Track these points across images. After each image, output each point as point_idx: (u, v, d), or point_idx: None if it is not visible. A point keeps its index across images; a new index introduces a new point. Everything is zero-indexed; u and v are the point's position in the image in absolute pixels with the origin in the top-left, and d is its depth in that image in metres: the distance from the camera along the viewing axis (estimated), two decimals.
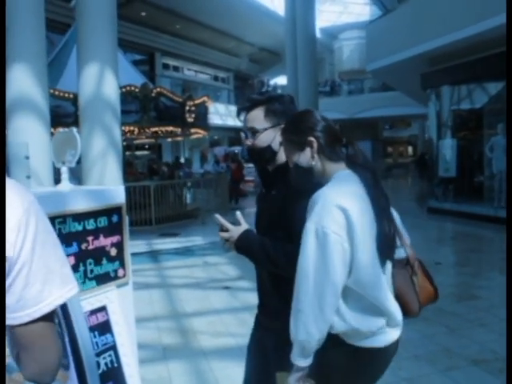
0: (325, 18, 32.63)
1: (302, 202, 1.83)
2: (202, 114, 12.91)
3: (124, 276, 2.39)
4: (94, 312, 2.18)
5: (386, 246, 1.73)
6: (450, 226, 11.66)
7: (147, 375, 3.59)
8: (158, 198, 11.13)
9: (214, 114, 24.46)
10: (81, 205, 2.16)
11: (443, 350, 4.13)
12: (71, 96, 9.54)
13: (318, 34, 24.00)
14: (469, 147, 13.85)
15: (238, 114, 2.08)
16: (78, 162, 2.33)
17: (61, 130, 2.50)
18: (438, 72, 12.87)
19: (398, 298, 1.81)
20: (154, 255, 8.61)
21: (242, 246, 1.93)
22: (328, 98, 28.90)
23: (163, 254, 8.68)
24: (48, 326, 0.98)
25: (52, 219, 2.00)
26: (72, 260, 2.11)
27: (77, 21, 7.45)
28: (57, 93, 9.80)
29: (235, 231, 1.94)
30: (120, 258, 2.36)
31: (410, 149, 45.75)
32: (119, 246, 2.35)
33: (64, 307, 1.68)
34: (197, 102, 12.54)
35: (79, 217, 2.14)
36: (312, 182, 1.81)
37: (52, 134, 6.43)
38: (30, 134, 6.11)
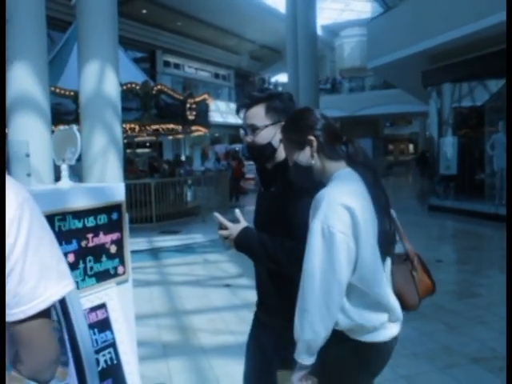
0: (326, 15, 32.54)
1: (301, 198, 1.84)
2: (202, 111, 12.91)
3: (124, 273, 2.40)
4: (93, 309, 2.19)
5: (386, 242, 1.76)
6: (451, 224, 11.66)
7: (147, 372, 3.60)
8: (159, 196, 11.14)
9: (215, 111, 24.44)
10: (81, 202, 2.17)
11: (442, 348, 4.13)
12: (72, 94, 9.55)
13: (319, 32, 23.96)
14: (470, 145, 13.84)
15: (238, 111, 2.08)
16: (79, 159, 2.34)
17: (61, 127, 2.50)
18: (439, 69, 12.86)
19: (398, 292, 1.83)
20: (154, 253, 8.62)
21: (241, 243, 1.93)
22: (329, 96, 28.89)
23: (164, 252, 8.69)
24: (44, 322, 0.98)
25: (52, 216, 2.00)
26: (72, 257, 2.11)
27: (77, 18, 7.44)
28: (58, 90, 9.81)
29: (234, 229, 1.95)
30: (120, 255, 2.36)
31: (410, 146, 45.69)
32: (119, 243, 2.36)
33: (63, 304, 1.68)
34: (197, 99, 12.55)
35: (79, 214, 2.15)
36: (312, 180, 1.82)
37: (53, 131, 6.44)
38: (30, 132, 6.11)
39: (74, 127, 2.31)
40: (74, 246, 2.13)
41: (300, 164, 1.81)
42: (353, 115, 28.15)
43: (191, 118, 12.09)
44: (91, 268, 2.21)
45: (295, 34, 16.60)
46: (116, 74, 7.28)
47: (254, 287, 2.17)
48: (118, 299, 2.31)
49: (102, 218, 2.27)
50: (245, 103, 2.04)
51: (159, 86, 11.61)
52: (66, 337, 1.74)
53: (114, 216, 2.33)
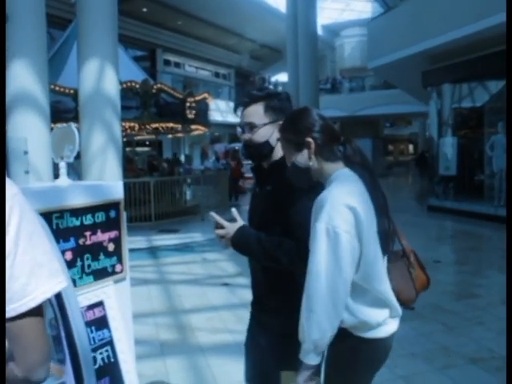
0: (326, 15, 32.52)
1: (301, 198, 1.84)
2: (202, 110, 12.91)
3: (121, 271, 2.40)
4: (91, 307, 2.19)
5: (385, 241, 1.79)
6: (450, 225, 11.67)
7: (145, 371, 3.60)
8: (158, 195, 11.14)
9: (215, 110, 24.44)
10: (79, 200, 2.16)
11: (440, 348, 4.13)
12: (72, 92, 9.54)
13: (320, 31, 23.97)
14: (469, 145, 13.85)
15: (236, 109, 2.08)
16: (78, 157, 2.34)
17: (59, 125, 2.50)
18: (439, 70, 12.86)
19: (396, 288, 1.86)
20: (153, 251, 8.62)
21: (239, 242, 1.94)
22: (329, 96, 28.87)
23: (162, 250, 8.69)
24: (36, 321, 0.96)
25: (49, 214, 2.00)
26: (69, 255, 2.11)
27: (77, 16, 7.44)
28: (57, 88, 9.80)
29: (231, 228, 1.95)
30: (117, 253, 2.36)
31: (410, 147, 45.75)
32: (117, 241, 2.35)
33: (60, 301, 1.68)
34: (197, 98, 12.54)
35: (77, 212, 2.14)
36: (310, 180, 1.83)
37: (52, 129, 6.43)
38: (29, 130, 6.11)
39: (73, 125, 2.30)
40: (71, 243, 2.13)
41: (298, 165, 1.82)
42: (353, 115, 28.14)
43: (191, 116, 12.09)
44: (89, 266, 2.21)
45: (295, 34, 16.60)
46: (116, 72, 7.28)
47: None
48: (115, 297, 2.31)
49: (100, 216, 2.27)
50: (243, 101, 2.04)
51: (159, 85, 11.62)
52: (62, 334, 1.74)
53: (112, 214, 2.33)
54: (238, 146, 22.94)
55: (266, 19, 26.47)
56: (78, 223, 2.15)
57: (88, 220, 2.20)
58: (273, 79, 37.08)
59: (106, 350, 2.20)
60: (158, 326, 4.82)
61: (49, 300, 1.66)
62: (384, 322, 1.77)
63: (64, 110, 9.72)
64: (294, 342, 1.76)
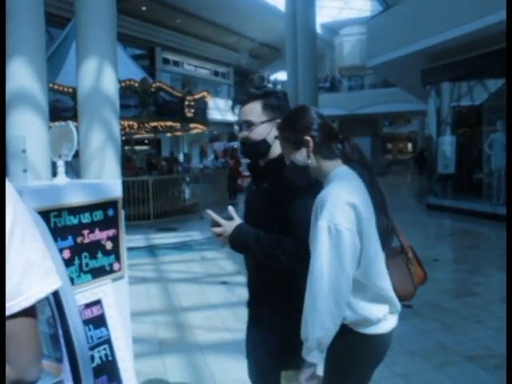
0: (326, 13, 32.48)
1: (300, 196, 1.85)
2: (201, 109, 12.90)
3: (119, 270, 2.39)
4: (88, 305, 2.18)
5: (383, 238, 1.82)
6: (449, 223, 11.68)
7: (143, 369, 3.61)
8: (157, 193, 11.15)
9: (214, 109, 24.44)
10: (77, 198, 2.16)
11: (438, 346, 4.14)
12: (70, 90, 9.54)
13: (319, 30, 23.99)
14: (468, 144, 13.86)
15: (233, 107, 2.08)
16: (76, 155, 2.34)
17: (57, 123, 2.50)
18: (438, 68, 12.86)
19: (395, 284, 1.88)
20: (151, 250, 8.63)
21: (237, 241, 1.93)
22: (328, 94, 28.85)
23: (161, 249, 8.69)
24: (28, 321, 0.94)
25: (47, 212, 2.00)
26: (67, 253, 2.11)
27: (76, 15, 7.42)
28: (56, 87, 9.80)
29: (228, 226, 1.95)
30: (115, 251, 2.36)
31: (409, 145, 45.73)
32: (115, 239, 2.35)
33: (58, 300, 1.68)
34: (196, 96, 12.53)
35: (75, 210, 2.14)
36: (309, 178, 1.84)
37: (50, 128, 6.43)
38: (28, 128, 6.11)
39: (71, 123, 2.30)
40: (69, 242, 2.12)
41: (297, 163, 1.83)
42: (352, 114, 28.14)
43: (189, 115, 12.08)
44: (87, 264, 2.21)
45: (295, 32, 16.56)
46: (114, 70, 7.26)
47: None
48: (113, 296, 2.31)
49: (98, 215, 2.27)
50: (241, 99, 2.04)
51: (158, 83, 11.61)
52: (60, 333, 1.74)
53: (110, 212, 2.33)
54: (236, 144, 22.89)
55: (265, 18, 26.45)
56: (75, 222, 2.15)
57: (86, 218, 2.20)
58: (272, 78, 37.05)
59: (104, 349, 2.20)
60: (157, 325, 4.83)
61: (46, 298, 1.66)
62: (384, 318, 1.79)
63: (63, 108, 9.71)
64: (290, 339, 1.77)
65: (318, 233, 1.66)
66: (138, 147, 21.67)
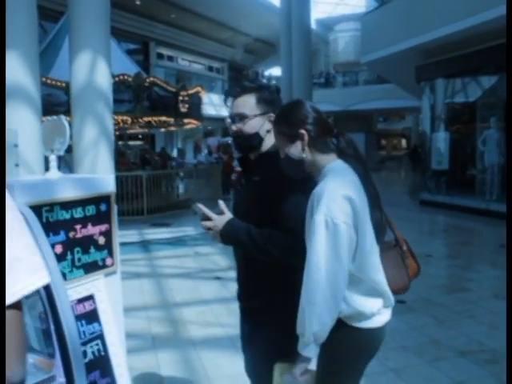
0: (320, 9, 32.45)
1: (292, 190, 1.85)
2: (195, 104, 12.86)
3: (112, 265, 2.38)
4: (81, 301, 2.17)
5: (377, 231, 1.83)
6: (442, 219, 11.73)
7: (136, 364, 3.60)
8: (150, 188, 11.12)
9: (208, 104, 24.36)
10: (69, 193, 2.15)
11: (431, 342, 4.16)
12: (63, 85, 9.48)
13: (314, 26, 23.93)
14: (462, 140, 13.91)
15: (226, 99, 2.07)
16: (69, 150, 2.33)
17: (49, 118, 2.48)
18: (432, 65, 12.88)
19: (389, 277, 1.89)
20: (145, 245, 8.61)
21: (228, 235, 1.93)
22: (322, 90, 28.86)
23: (155, 244, 8.68)
24: (13, 317, 0.92)
25: (39, 207, 1.99)
26: (59, 248, 2.10)
27: (69, 9, 7.37)
28: (49, 81, 9.73)
29: (219, 220, 1.94)
30: (108, 246, 2.35)
31: (403, 141, 45.87)
32: (107, 234, 2.34)
33: (50, 295, 1.67)
34: (190, 92, 12.50)
35: (67, 205, 2.13)
36: (303, 172, 1.84)
37: (43, 122, 6.39)
38: (20, 123, 6.06)
39: (63, 117, 2.28)
40: (61, 237, 2.11)
41: (291, 157, 1.84)
42: (346, 110, 28.16)
43: (183, 110, 12.04)
44: (79, 259, 2.20)
45: (289, 28, 16.55)
46: (108, 65, 7.23)
47: None
48: (106, 291, 2.30)
49: (91, 209, 2.25)
50: (235, 91, 2.04)
51: (152, 78, 11.56)
52: (52, 328, 1.73)
53: (103, 207, 2.32)
54: (230, 139, 22.87)
55: (260, 13, 26.38)
56: (68, 216, 2.14)
57: (78, 213, 2.19)
58: (266, 73, 36.99)
59: (97, 344, 2.19)
60: (150, 320, 4.82)
61: (38, 293, 1.65)
62: (378, 312, 1.80)
63: (56, 103, 9.65)
64: (281, 330, 1.77)
65: (314, 227, 1.66)
66: (131, 142, 21.57)
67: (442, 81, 13.48)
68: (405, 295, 2.02)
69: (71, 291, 2.10)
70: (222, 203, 2.01)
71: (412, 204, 13.71)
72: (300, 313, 1.68)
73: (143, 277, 6.46)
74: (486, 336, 4.21)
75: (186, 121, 13.49)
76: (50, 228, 2.03)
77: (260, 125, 1.98)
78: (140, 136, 22.38)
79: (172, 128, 17.09)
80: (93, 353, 2.16)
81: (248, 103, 1.98)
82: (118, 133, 12.78)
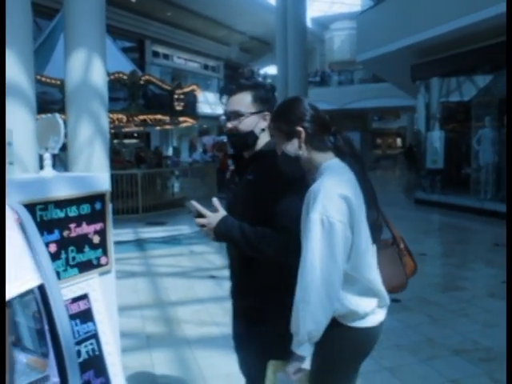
0: (316, 7, 32.44)
1: (286, 188, 1.85)
2: (190, 102, 12.85)
3: (107, 264, 2.37)
4: (75, 300, 2.16)
5: (374, 231, 1.83)
6: (437, 218, 11.76)
7: (130, 363, 3.59)
8: (146, 187, 11.10)
9: (204, 102, 24.32)
10: (63, 191, 2.14)
11: (426, 340, 4.17)
12: (58, 82, 9.44)
13: (309, 24, 23.92)
14: (457, 139, 13.95)
15: (221, 96, 2.06)
16: (64, 149, 2.32)
17: (44, 116, 2.47)
18: (428, 64, 12.90)
19: (386, 275, 1.90)
20: (140, 244, 8.59)
21: (222, 233, 1.92)
22: (318, 88, 28.86)
23: (149, 243, 8.66)
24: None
25: (33, 206, 1.97)
26: (54, 247, 2.09)
27: (64, 6, 7.34)
28: (44, 79, 9.70)
29: (212, 218, 1.93)
30: (103, 245, 2.34)
31: (398, 140, 45.91)
32: (102, 233, 2.33)
33: (43, 294, 1.66)
34: (186, 90, 12.48)
35: (61, 203, 2.11)
36: (300, 169, 1.84)
37: (38, 120, 6.36)
38: (15, 121, 6.02)
39: (57, 115, 2.27)
40: (55, 235, 2.10)
41: (288, 154, 1.83)
42: (341, 108, 28.16)
43: (179, 108, 12.03)
44: (73, 258, 2.18)
45: (285, 27, 16.53)
46: (103, 63, 7.20)
47: None
48: (100, 290, 2.29)
49: (85, 208, 2.24)
50: (230, 89, 2.03)
51: (147, 76, 11.54)
52: (46, 328, 1.72)
53: (98, 206, 2.31)
54: (225, 138, 22.85)
55: (256, 11, 26.36)
56: (62, 215, 2.12)
57: (73, 212, 2.17)
58: (262, 72, 36.97)
59: (91, 343, 2.18)
60: (145, 319, 4.81)
61: (32, 292, 1.64)
62: (372, 312, 1.79)
63: (50, 101, 9.61)
64: (273, 327, 1.77)
65: (310, 225, 1.66)
66: (126, 140, 21.50)
67: (437, 80, 13.51)
68: (399, 294, 2.03)
69: (65, 290, 2.09)
70: (215, 200, 2.00)
71: (407, 203, 13.74)
72: (294, 311, 1.68)
73: (138, 276, 6.44)
74: (481, 334, 4.23)
75: (181, 119, 13.48)
76: (44, 227, 2.02)
77: (255, 123, 1.98)
78: (135, 134, 22.35)
79: (167, 126, 17.06)
80: (87, 352, 2.15)
81: (243, 101, 1.98)
82: (113, 131, 12.74)
